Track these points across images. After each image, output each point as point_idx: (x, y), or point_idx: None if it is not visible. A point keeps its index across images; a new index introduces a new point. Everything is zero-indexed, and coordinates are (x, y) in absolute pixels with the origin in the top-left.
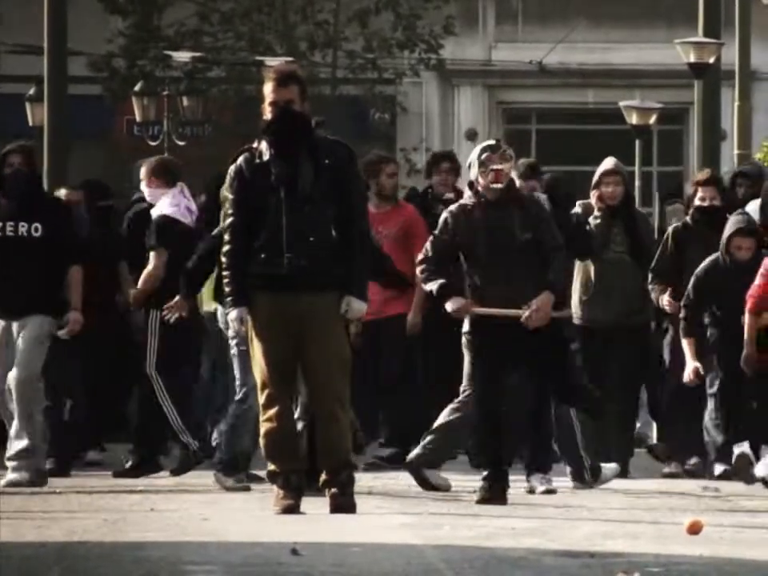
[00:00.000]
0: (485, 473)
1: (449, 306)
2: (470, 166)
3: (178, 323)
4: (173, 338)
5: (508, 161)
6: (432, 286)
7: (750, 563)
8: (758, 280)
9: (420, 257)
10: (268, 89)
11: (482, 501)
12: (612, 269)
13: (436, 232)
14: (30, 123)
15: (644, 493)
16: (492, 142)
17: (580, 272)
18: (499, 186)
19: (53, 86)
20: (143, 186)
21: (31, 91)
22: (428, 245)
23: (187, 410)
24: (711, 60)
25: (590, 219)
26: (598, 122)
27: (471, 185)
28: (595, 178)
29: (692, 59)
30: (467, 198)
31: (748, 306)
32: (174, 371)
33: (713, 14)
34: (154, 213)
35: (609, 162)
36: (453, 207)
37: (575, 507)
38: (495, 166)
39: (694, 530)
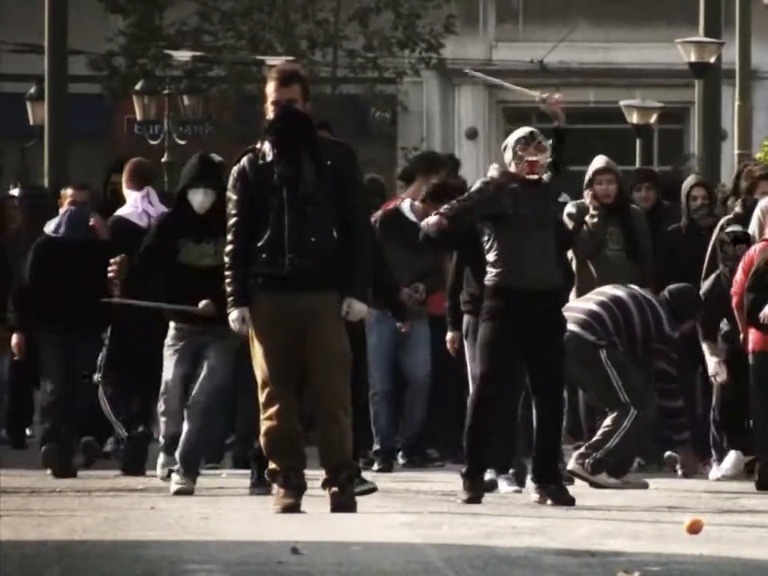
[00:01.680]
0: (467, 468)
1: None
2: (504, 149)
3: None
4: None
5: (543, 151)
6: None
7: (750, 562)
8: (738, 274)
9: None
10: (270, 88)
11: (472, 500)
12: (610, 268)
13: (475, 189)
14: (31, 122)
15: (644, 492)
16: (527, 132)
17: (578, 272)
18: (535, 177)
19: (53, 84)
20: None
21: (32, 90)
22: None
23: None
24: (712, 59)
25: (587, 218)
26: (598, 121)
27: (504, 170)
28: (588, 176)
29: (693, 59)
30: (499, 176)
31: (734, 302)
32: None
33: (713, 14)
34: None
35: (600, 161)
36: (487, 178)
37: (575, 506)
38: (530, 158)
39: (694, 529)
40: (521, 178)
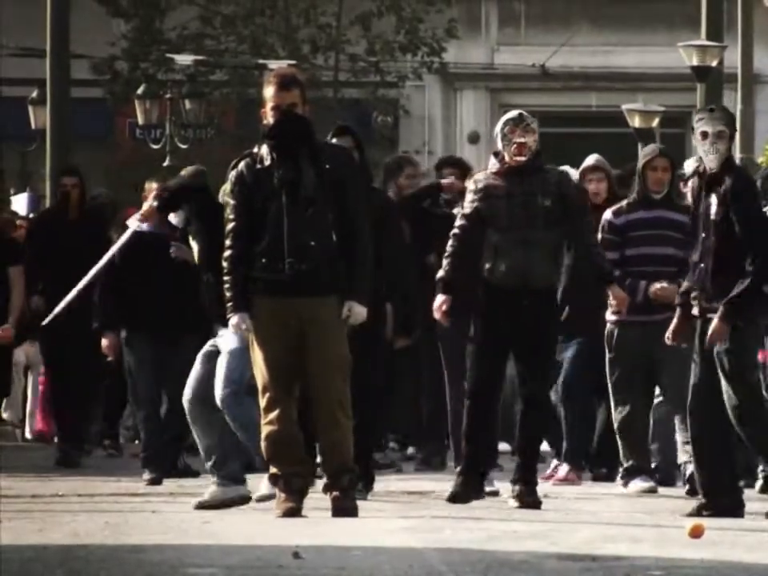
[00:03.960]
0: (460, 466)
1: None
2: (496, 137)
3: None
4: None
5: (531, 133)
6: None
7: (751, 567)
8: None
9: (453, 233)
10: (270, 93)
11: (456, 498)
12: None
13: (466, 201)
14: (33, 126)
15: (645, 496)
16: (515, 114)
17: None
18: (522, 159)
19: (55, 88)
20: None
21: (34, 94)
22: (458, 219)
23: None
24: (714, 63)
25: None
26: (600, 125)
27: (496, 154)
28: (578, 174)
29: (694, 62)
30: (492, 165)
31: None
32: None
33: (715, 17)
34: None
35: (591, 159)
36: (479, 175)
37: (577, 510)
38: (518, 140)
39: (696, 533)
40: (505, 171)
